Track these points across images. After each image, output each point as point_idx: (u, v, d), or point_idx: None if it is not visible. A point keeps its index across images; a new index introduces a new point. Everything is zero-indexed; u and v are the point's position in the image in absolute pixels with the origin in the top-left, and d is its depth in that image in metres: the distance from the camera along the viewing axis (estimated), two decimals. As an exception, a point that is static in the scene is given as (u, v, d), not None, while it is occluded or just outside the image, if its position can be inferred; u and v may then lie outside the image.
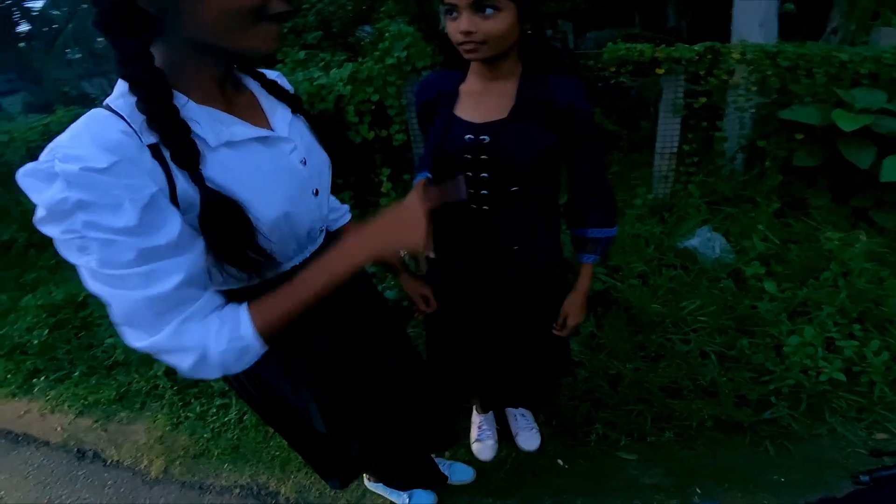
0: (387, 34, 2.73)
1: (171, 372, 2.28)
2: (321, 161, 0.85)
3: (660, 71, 2.50)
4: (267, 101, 0.79)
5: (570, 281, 1.27)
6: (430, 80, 1.15)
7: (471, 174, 1.04)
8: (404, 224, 0.74)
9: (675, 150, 2.75)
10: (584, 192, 1.12)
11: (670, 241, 2.46)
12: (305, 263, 0.82)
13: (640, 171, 3.16)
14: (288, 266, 0.81)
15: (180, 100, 0.63)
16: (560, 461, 1.72)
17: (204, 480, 1.91)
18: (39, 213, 0.56)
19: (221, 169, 0.66)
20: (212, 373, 0.66)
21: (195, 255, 0.63)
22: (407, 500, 1.60)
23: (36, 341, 2.66)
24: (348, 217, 1.14)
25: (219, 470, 1.94)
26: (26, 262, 3.66)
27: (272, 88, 0.82)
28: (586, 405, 1.83)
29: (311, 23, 5.38)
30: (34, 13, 10.18)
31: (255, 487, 1.85)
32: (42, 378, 2.55)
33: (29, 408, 2.45)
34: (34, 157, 0.57)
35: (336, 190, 2.96)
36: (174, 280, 0.60)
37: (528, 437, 1.75)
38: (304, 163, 0.79)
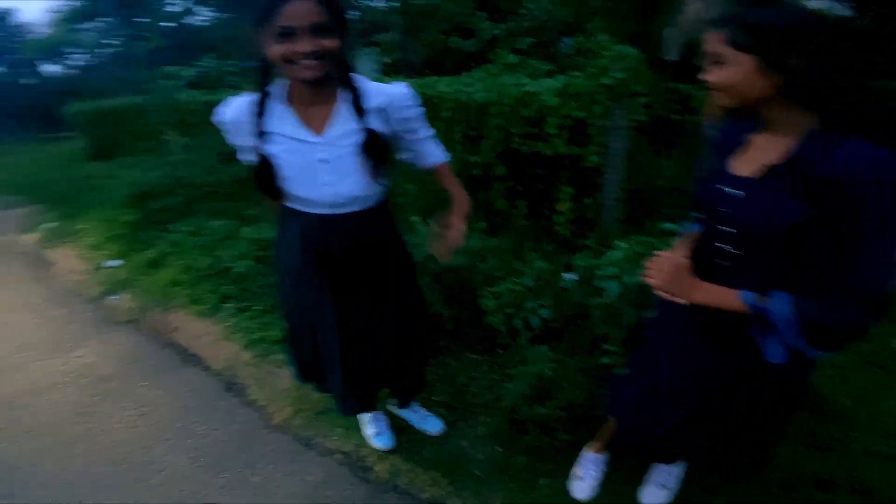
0: (606, 52, 2.61)
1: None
2: (347, 164, 1.19)
3: None
4: (345, 110, 1.18)
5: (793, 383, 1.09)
6: (734, 126, 1.09)
7: (719, 227, 1.01)
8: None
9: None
10: (827, 287, 0.87)
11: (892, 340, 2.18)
12: (330, 218, 1.25)
13: None
14: (312, 210, 1.25)
15: (277, 100, 1.18)
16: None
17: (313, 438, 2.01)
18: None
19: (273, 144, 1.18)
20: None
21: None
22: (372, 434, 1.89)
23: (240, 270, 3.11)
24: (438, 161, 1.43)
25: (330, 433, 2.03)
26: (252, 198, 4.38)
27: (357, 102, 1.17)
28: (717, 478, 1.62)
29: (526, 28, 5.48)
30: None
31: (353, 458, 1.91)
32: (230, 305, 2.95)
33: (210, 330, 2.82)
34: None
35: (512, 196, 2.96)
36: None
37: (656, 494, 1.60)
38: (326, 161, 1.18)
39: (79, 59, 14.99)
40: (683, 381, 1.20)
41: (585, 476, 1.67)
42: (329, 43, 1.04)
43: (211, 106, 5.27)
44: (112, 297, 3.38)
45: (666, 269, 0.98)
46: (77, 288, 3.64)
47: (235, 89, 6.63)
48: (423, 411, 1.98)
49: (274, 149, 1.18)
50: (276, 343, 2.59)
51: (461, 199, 1.44)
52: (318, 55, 1.04)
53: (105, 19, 13.49)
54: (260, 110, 1.16)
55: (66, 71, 16.26)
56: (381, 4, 8.74)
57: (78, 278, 3.80)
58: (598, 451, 1.70)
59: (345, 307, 1.42)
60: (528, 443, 1.82)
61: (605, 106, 2.54)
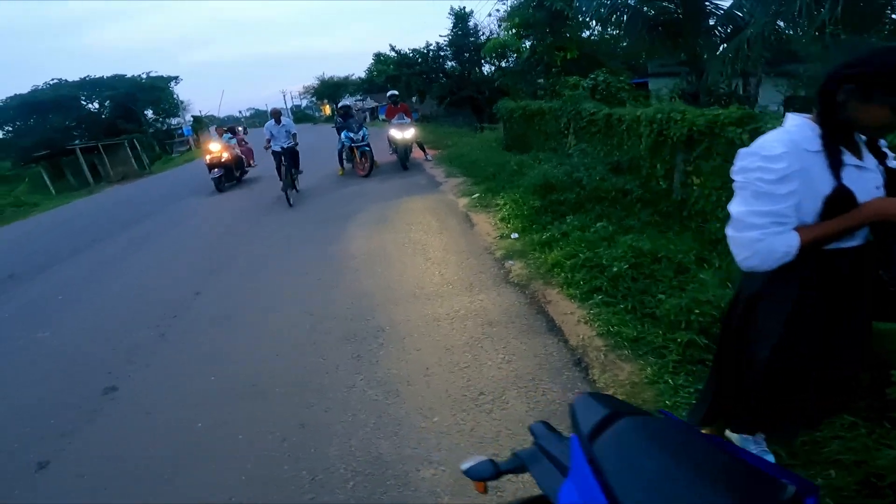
0: None
1: (688, 344, 2.55)
2: (883, 191, 1.31)
3: None
4: (866, 150, 1.33)
5: None
6: None
7: None
8: None
9: None
10: None
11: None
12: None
13: None
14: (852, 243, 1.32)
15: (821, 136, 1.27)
16: None
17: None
18: (735, 167, 1.33)
19: (847, 175, 1.25)
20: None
21: (792, 206, 1.24)
22: (754, 447, 1.86)
23: (615, 269, 3.50)
24: None
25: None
26: (632, 211, 4.75)
27: (872, 147, 1.34)
28: None
29: None
30: (720, 11, 11.32)
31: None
32: (599, 297, 3.36)
33: (575, 311, 3.29)
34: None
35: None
36: (774, 208, 1.24)
37: None
38: (879, 188, 1.30)
39: (513, 62, 18.30)
40: None
41: None
42: None
43: (609, 117, 5.88)
44: (509, 262, 4.37)
45: None
46: (488, 247, 4.86)
47: (624, 104, 6.98)
48: (763, 445, 1.91)
49: (845, 178, 1.24)
50: (629, 340, 2.83)
51: None
52: None
53: (535, 29, 15.79)
54: (832, 144, 1.25)
55: (499, 72, 20.20)
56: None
57: (489, 240, 5.04)
58: None
59: (852, 324, 1.47)
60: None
61: None
